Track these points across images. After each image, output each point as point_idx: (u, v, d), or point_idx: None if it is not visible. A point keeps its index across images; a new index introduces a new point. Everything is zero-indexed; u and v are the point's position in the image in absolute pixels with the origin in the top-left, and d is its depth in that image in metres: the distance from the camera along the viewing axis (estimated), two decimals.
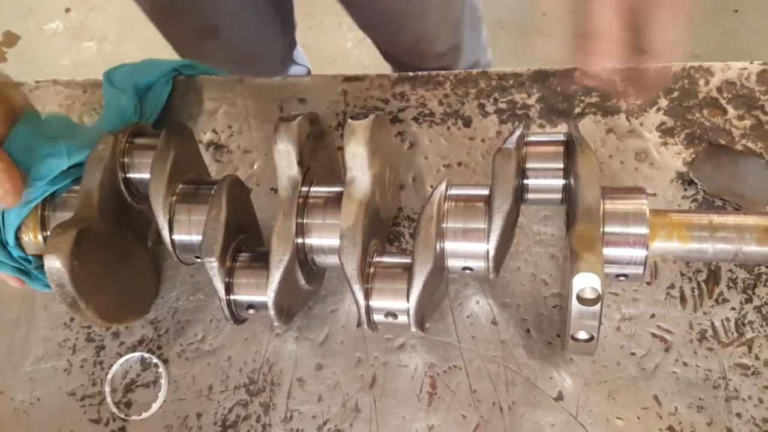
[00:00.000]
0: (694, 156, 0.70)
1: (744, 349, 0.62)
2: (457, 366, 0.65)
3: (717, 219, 0.54)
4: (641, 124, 0.72)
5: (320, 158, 0.65)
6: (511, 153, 0.56)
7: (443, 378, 0.64)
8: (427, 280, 0.55)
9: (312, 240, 0.60)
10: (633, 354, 0.63)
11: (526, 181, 0.59)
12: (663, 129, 0.72)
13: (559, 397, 0.63)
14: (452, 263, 0.58)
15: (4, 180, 0.59)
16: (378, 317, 0.58)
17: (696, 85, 0.73)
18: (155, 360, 0.69)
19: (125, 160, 0.65)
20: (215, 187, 0.61)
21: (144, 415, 0.67)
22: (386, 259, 0.59)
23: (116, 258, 0.65)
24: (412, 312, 0.56)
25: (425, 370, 0.65)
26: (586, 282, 0.49)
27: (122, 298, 0.66)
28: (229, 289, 0.59)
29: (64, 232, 0.57)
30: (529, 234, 0.69)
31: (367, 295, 0.57)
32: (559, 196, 0.59)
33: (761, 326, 0.63)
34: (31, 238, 0.63)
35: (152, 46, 2.08)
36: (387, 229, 0.70)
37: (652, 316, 0.65)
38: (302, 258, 0.61)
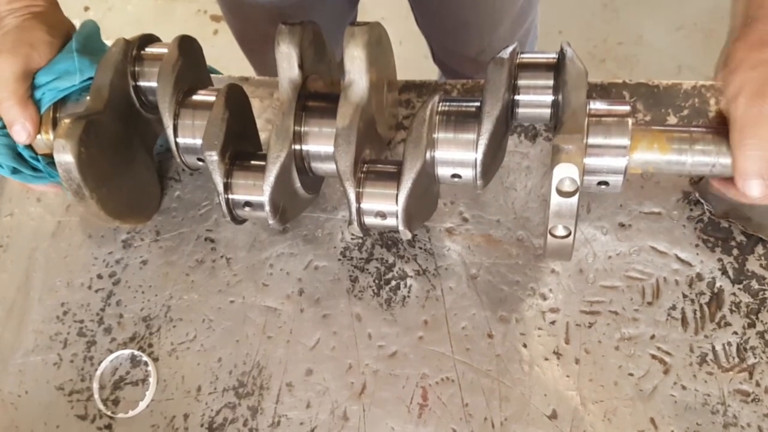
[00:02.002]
0: (700, 176, 0.68)
1: (745, 375, 0.61)
2: (449, 378, 0.63)
3: (697, 132, 0.56)
4: None
5: (320, 72, 0.66)
6: (504, 62, 0.58)
7: (435, 389, 0.63)
8: (416, 180, 0.57)
9: (309, 146, 0.62)
10: (631, 375, 0.62)
11: (516, 97, 0.60)
12: None
13: (553, 416, 0.61)
14: (441, 170, 0.60)
15: (29, 125, 0.64)
16: (368, 219, 0.60)
17: (707, 104, 0.72)
18: (145, 358, 0.68)
19: (135, 68, 0.67)
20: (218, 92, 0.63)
21: (131, 413, 0.66)
22: (379, 165, 0.61)
23: (122, 158, 0.68)
24: (400, 211, 0.58)
25: (417, 380, 0.64)
26: (565, 172, 0.51)
27: (125, 198, 0.69)
28: (227, 187, 0.62)
29: (74, 120, 0.60)
30: (530, 248, 0.68)
31: (359, 198, 0.59)
32: (548, 111, 0.60)
33: (763, 352, 0.61)
34: (43, 137, 0.66)
35: None
36: (384, 149, 0.72)
37: (653, 336, 0.63)
38: (299, 163, 0.63)
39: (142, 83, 0.68)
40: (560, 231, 0.55)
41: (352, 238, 0.70)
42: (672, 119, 0.71)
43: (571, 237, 0.55)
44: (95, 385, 0.68)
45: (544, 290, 0.66)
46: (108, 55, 0.65)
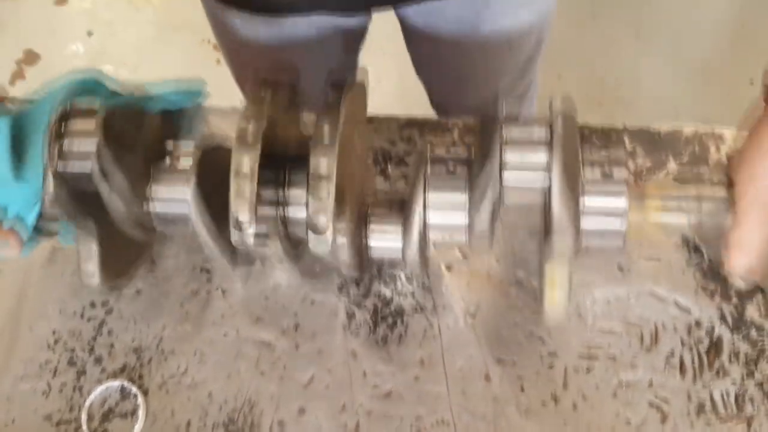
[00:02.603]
0: None
1: (743, 426, 0.60)
2: (444, 420, 0.62)
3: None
4: None
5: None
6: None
7: (429, 431, 0.62)
8: None
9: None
10: (629, 423, 0.61)
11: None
12: None
13: None
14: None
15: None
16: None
17: (707, 151, 0.72)
18: (135, 390, 0.67)
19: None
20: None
21: None
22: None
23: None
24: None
25: (411, 421, 0.63)
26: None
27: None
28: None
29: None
30: (528, 289, 0.67)
31: None
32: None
33: (762, 403, 0.61)
34: None
35: (167, 73, 2.11)
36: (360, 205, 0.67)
37: (650, 383, 0.63)
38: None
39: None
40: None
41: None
42: (672, 165, 0.72)
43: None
44: (83, 416, 0.66)
45: (542, 333, 0.65)
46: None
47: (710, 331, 0.64)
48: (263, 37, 0.92)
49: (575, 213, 0.51)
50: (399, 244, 0.57)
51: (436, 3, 0.87)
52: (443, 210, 0.56)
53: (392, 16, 0.98)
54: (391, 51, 2.00)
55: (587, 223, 0.53)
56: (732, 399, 0.61)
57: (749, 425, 0.60)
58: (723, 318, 0.64)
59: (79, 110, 0.59)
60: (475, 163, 0.56)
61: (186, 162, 0.60)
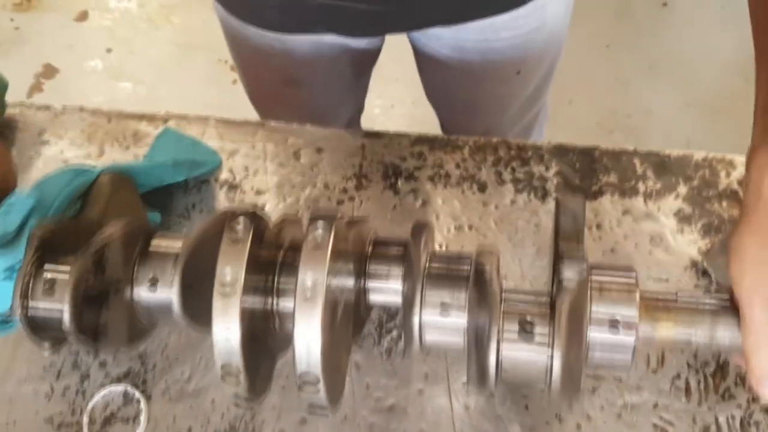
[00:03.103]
0: (709, 246, 0.68)
1: None
2: None
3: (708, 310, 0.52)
4: (659, 209, 0.71)
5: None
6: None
7: None
8: None
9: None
10: None
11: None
12: (680, 216, 0.70)
13: None
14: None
15: None
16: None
17: (717, 176, 0.72)
18: (137, 395, 0.67)
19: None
20: None
21: None
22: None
23: None
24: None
25: None
26: None
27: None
28: None
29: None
30: None
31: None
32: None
33: (767, 428, 0.60)
34: None
35: (184, 92, 2.14)
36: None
37: (655, 405, 0.62)
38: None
39: None
40: None
41: None
42: (682, 189, 0.72)
43: None
44: (85, 420, 0.66)
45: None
46: None
47: (716, 355, 0.64)
48: (276, 53, 0.94)
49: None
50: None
51: (446, 30, 0.88)
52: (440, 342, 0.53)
53: (406, 42, 1.00)
54: (405, 78, 2.04)
55: (592, 366, 0.51)
56: (737, 423, 0.61)
57: None
58: None
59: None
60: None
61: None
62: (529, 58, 0.93)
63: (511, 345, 0.50)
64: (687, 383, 0.63)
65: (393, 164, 0.77)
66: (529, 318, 0.50)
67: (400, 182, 0.76)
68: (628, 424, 0.61)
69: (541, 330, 0.50)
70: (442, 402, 0.64)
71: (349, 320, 0.55)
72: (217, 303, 0.50)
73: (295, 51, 0.93)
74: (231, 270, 0.50)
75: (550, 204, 0.73)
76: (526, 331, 0.50)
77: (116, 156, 0.80)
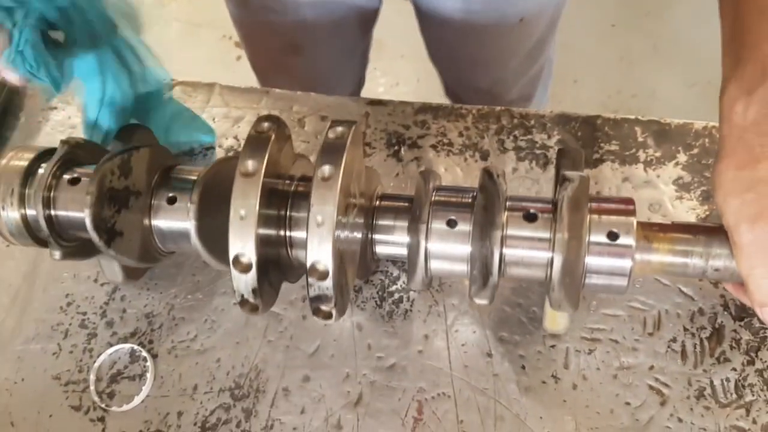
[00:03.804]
0: (707, 213, 0.69)
1: (742, 411, 0.61)
2: (446, 393, 0.63)
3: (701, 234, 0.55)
4: (658, 176, 0.72)
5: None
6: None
7: (431, 404, 0.63)
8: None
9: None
10: (628, 404, 0.62)
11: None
12: (679, 183, 0.71)
13: None
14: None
15: None
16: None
17: (717, 144, 0.73)
18: (144, 353, 0.68)
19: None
20: None
21: (125, 407, 0.66)
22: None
23: None
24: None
25: (413, 393, 0.63)
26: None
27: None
28: None
29: None
30: None
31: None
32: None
33: (761, 390, 0.61)
34: None
35: (189, 68, 2.13)
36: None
37: (651, 367, 0.63)
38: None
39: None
40: None
41: None
42: (682, 156, 0.72)
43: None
44: (92, 377, 0.68)
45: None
46: None
47: (713, 319, 0.65)
48: (279, 18, 0.94)
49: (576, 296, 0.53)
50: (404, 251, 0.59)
51: None
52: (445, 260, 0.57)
53: (409, 17, 1.00)
54: (410, 55, 2.03)
55: (590, 281, 0.54)
56: (732, 386, 0.62)
57: (748, 412, 0.60)
58: (726, 306, 0.65)
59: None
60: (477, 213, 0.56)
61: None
62: (532, 9, 0.93)
63: (514, 230, 0.54)
64: (683, 346, 0.64)
65: (396, 132, 0.78)
66: (532, 210, 0.54)
67: (403, 150, 0.77)
68: (623, 384, 0.63)
69: (543, 218, 0.54)
70: (442, 362, 0.65)
71: (356, 256, 0.59)
72: (238, 184, 0.52)
73: (299, 12, 0.93)
74: (252, 162, 0.53)
75: (551, 172, 0.73)
76: (529, 220, 0.54)
77: None
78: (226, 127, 0.81)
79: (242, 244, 0.52)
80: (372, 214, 0.59)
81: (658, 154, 0.73)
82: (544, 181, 0.73)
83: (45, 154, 0.63)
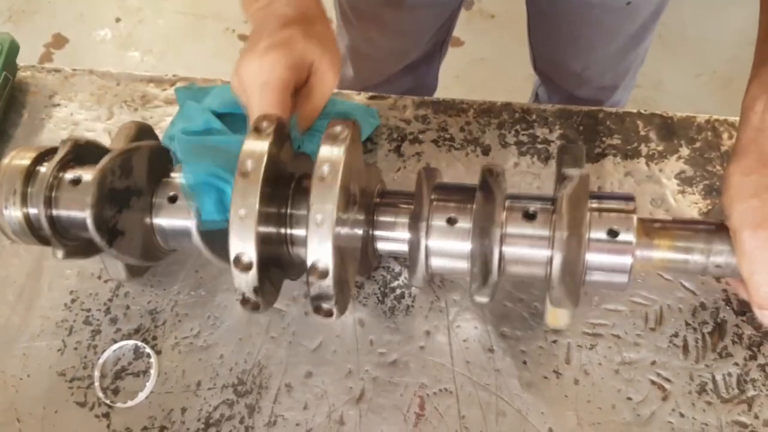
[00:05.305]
0: (710, 207, 0.69)
1: (744, 406, 0.61)
2: (448, 389, 0.63)
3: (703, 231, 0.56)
4: (660, 171, 0.72)
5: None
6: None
7: (432, 400, 0.63)
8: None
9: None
10: (629, 399, 0.62)
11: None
12: (682, 177, 0.71)
13: None
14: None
15: None
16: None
17: (719, 138, 0.73)
18: (148, 350, 0.69)
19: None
20: None
21: (129, 403, 0.67)
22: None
23: None
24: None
25: (415, 389, 0.64)
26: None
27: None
28: None
29: None
30: None
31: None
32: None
33: (763, 385, 0.61)
34: None
35: (192, 61, 2.14)
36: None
37: (653, 362, 0.63)
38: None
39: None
40: None
41: None
42: (685, 150, 0.72)
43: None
44: (96, 374, 0.68)
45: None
46: None
47: (714, 314, 0.65)
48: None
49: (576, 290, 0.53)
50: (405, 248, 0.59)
51: None
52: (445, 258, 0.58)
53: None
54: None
55: (591, 278, 0.54)
56: (734, 380, 0.62)
57: (750, 407, 0.60)
58: (728, 301, 0.65)
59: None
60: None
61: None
62: None
63: (514, 228, 0.54)
64: (685, 341, 0.64)
65: (398, 127, 0.78)
66: (532, 208, 0.55)
67: (404, 145, 0.77)
68: (625, 380, 0.63)
69: (543, 216, 0.54)
70: (443, 357, 0.65)
71: (356, 253, 0.59)
72: (237, 185, 0.53)
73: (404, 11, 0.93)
74: (252, 162, 0.53)
75: (553, 167, 0.73)
76: (528, 218, 0.54)
77: (125, 118, 0.81)
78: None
79: (242, 243, 0.52)
80: (373, 211, 0.59)
81: (660, 148, 0.73)
82: (545, 176, 0.73)
83: (47, 153, 0.64)
